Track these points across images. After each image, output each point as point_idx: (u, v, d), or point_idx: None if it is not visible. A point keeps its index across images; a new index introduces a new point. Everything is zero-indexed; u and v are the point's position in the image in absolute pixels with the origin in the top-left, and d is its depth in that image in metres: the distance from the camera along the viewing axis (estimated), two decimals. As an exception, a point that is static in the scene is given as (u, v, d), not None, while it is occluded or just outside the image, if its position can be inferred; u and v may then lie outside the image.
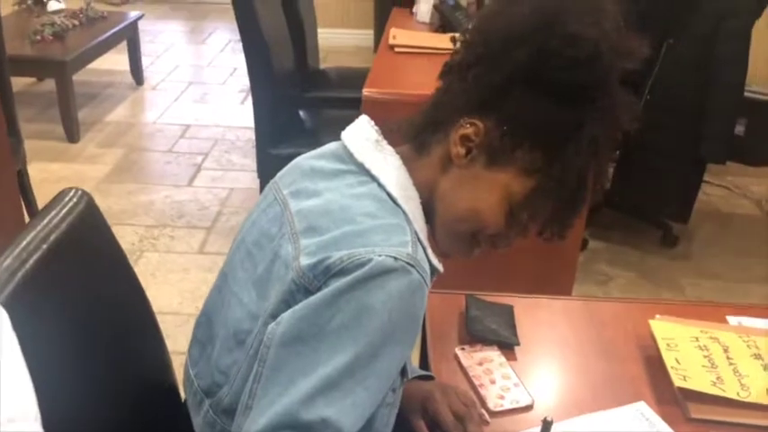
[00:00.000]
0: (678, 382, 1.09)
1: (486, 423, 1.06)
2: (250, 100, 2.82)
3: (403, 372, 0.96)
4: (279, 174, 1.02)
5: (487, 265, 2.46)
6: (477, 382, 1.13)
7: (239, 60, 2.71)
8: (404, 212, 0.90)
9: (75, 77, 3.78)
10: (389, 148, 0.96)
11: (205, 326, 1.05)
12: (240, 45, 2.66)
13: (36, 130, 3.81)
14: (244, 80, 2.79)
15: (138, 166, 3.59)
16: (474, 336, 1.21)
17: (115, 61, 4.57)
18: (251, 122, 2.78)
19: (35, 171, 3.07)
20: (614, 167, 3.05)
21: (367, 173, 0.93)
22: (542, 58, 0.87)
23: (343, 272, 0.82)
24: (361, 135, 0.98)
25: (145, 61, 4.72)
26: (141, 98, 4.46)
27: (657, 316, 1.27)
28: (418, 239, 0.90)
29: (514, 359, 1.20)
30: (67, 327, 0.94)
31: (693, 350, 1.15)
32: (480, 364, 1.17)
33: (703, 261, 2.99)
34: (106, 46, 4.10)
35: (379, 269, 0.81)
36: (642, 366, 1.19)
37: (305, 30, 3.12)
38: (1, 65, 2.53)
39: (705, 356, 1.14)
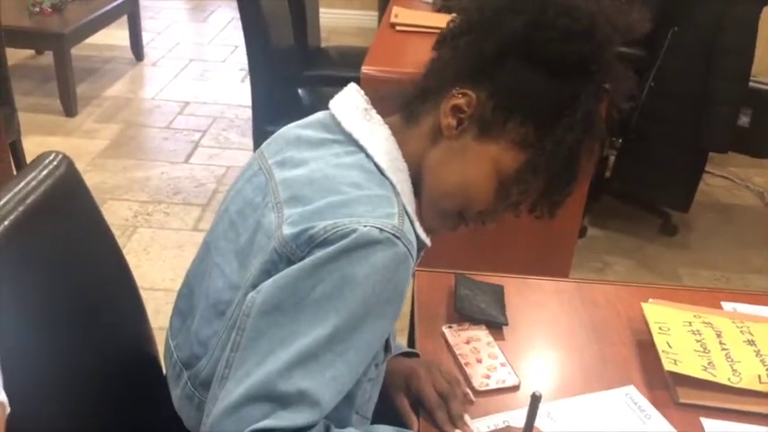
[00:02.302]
0: (668, 366, 1.06)
1: (471, 402, 1.03)
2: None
3: (387, 347, 0.94)
4: (265, 143, 1.00)
5: (482, 249, 2.45)
6: (463, 361, 1.10)
7: (240, 39, 2.67)
8: (392, 184, 0.88)
9: (74, 52, 3.74)
10: (378, 118, 0.93)
11: (186, 297, 1.03)
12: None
13: (34, 103, 3.78)
14: (244, 59, 2.75)
15: (136, 141, 3.56)
16: (462, 314, 1.19)
17: (115, 36, 4.54)
18: (250, 101, 2.75)
19: (31, 144, 3.04)
20: (615, 155, 3.03)
21: (355, 143, 0.90)
22: (537, 29, 0.85)
23: (326, 242, 0.80)
24: (350, 104, 0.95)
25: (145, 37, 4.68)
26: (141, 74, 4.43)
27: (651, 300, 1.25)
28: (406, 212, 0.87)
29: (502, 339, 1.17)
30: (41, 293, 0.91)
31: (686, 334, 1.13)
32: (467, 342, 1.15)
33: (702, 251, 2.97)
34: (106, 20, 4.05)
35: (363, 240, 0.79)
36: (633, 350, 1.17)
37: (305, 8, 3.08)
38: (-4, 34, 2.50)
39: (698, 341, 1.11)
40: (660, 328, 1.14)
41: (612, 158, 3.08)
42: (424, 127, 0.92)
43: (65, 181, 1.00)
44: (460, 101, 0.88)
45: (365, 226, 0.79)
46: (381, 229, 0.80)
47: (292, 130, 0.97)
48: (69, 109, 3.70)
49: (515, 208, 0.93)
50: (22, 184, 0.94)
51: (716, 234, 3.11)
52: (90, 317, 1.00)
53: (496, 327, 1.19)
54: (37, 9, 3.74)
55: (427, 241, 0.92)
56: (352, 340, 0.80)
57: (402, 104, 0.95)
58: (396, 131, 0.92)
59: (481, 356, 1.12)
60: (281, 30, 2.74)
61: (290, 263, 0.81)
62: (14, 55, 3.44)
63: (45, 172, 0.98)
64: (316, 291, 0.78)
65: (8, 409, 0.67)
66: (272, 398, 0.76)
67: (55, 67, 3.66)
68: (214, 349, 0.91)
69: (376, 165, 0.88)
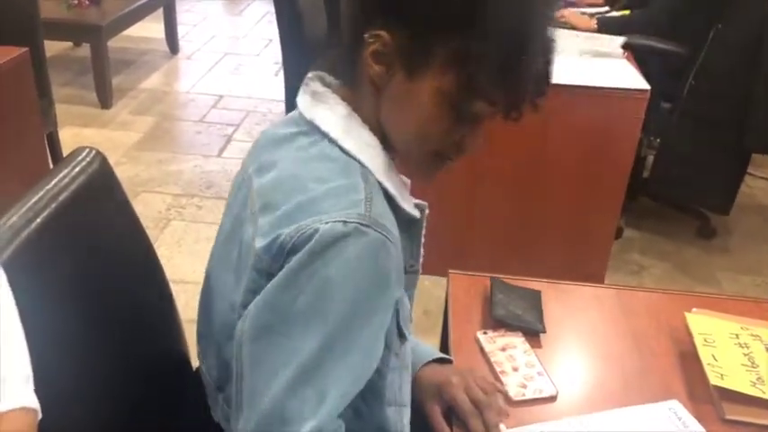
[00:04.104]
0: (714, 380, 1.02)
1: (506, 414, 1.00)
2: (283, 72, 2.78)
3: (400, 333, 0.90)
4: (248, 150, 0.96)
5: (517, 249, 2.42)
6: (498, 369, 1.07)
7: (275, 32, 2.66)
8: (360, 164, 0.84)
9: (111, 44, 3.77)
10: (333, 96, 0.88)
11: (203, 320, 1.00)
12: (276, 17, 2.61)
13: (70, 94, 3.82)
14: (278, 52, 2.74)
15: (170, 134, 3.58)
16: (497, 320, 1.16)
17: (151, 29, 4.57)
18: (283, 95, 2.75)
19: (67, 135, 3.07)
20: (654, 155, 2.96)
21: (317, 130, 0.86)
22: None
23: (295, 248, 0.76)
24: (308, 89, 0.90)
25: (181, 30, 4.71)
26: (176, 67, 4.45)
27: (694, 309, 1.20)
28: (384, 190, 0.84)
29: (539, 347, 1.14)
30: (73, 289, 0.90)
31: (732, 347, 1.08)
32: (503, 349, 1.11)
33: (742, 255, 2.89)
34: (142, 12, 4.09)
35: (329, 237, 0.75)
36: (675, 361, 1.12)
37: (340, 1, 3.05)
38: (35, 27, 2.52)
39: (745, 355, 1.07)
40: (705, 340, 1.09)
41: (651, 158, 3.01)
42: (364, 86, 0.86)
43: (98, 177, 0.99)
44: (376, 45, 0.82)
45: (326, 222, 0.76)
46: (346, 222, 0.76)
47: (269, 130, 0.94)
48: (105, 101, 3.73)
49: (482, 118, 0.85)
50: (56, 180, 0.93)
51: (756, 237, 3.02)
52: (119, 314, 0.99)
53: (533, 334, 1.15)
54: (75, 1, 3.77)
55: (414, 213, 0.89)
56: (350, 340, 0.77)
57: (339, 73, 0.90)
58: (351, 102, 0.87)
59: (517, 365, 1.08)
60: (315, 23, 2.72)
61: (270, 276, 0.78)
62: (52, 47, 3.47)
63: (78, 168, 0.97)
64: (298, 302, 0.75)
65: (40, 415, 0.66)
66: (286, 418, 0.74)
67: (92, 59, 3.70)
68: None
69: (340, 148, 0.84)
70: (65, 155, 2.90)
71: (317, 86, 0.89)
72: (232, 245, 0.89)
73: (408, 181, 0.94)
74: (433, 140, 0.85)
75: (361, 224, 0.76)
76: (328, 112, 0.87)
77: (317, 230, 0.75)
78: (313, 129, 0.86)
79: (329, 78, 0.89)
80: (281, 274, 0.77)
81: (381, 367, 0.85)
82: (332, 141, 0.84)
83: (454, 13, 0.78)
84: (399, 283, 0.84)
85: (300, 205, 0.79)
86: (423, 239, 0.95)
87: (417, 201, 0.93)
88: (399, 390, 0.93)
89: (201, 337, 1.00)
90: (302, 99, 0.90)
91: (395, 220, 0.83)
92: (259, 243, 0.79)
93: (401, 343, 0.91)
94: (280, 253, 0.77)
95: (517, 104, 0.83)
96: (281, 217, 0.79)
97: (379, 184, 0.84)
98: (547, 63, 0.83)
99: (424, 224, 0.94)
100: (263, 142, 0.92)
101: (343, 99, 0.87)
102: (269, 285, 0.77)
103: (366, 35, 0.82)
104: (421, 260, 0.96)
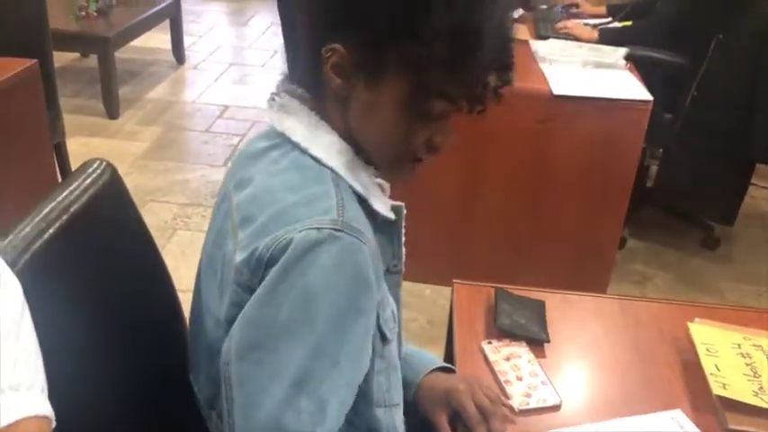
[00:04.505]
0: (717, 389, 1.03)
1: (512, 422, 1.01)
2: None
3: (383, 336, 0.90)
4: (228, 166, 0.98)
5: (521, 259, 2.43)
6: (502, 378, 1.08)
7: (280, 43, 2.68)
8: (332, 170, 0.85)
9: (118, 55, 3.81)
10: (301, 107, 0.89)
11: (193, 337, 1.01)
12: (281, 27, 2.64)
13: (78, 105, 3.85)
14: (283, 63, 2.76)
15: (176, 144, 3.60)
16: (502, 330, 1.17)
17: (158, 40, 4.60)
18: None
19: (75, 145, 3.09)
20: (657, 164, 2.97)
21: (288, 141, 0.87)
22: None
23: (272, 260, 0.77)
24: (275, 104, 0.91)
25: (187, 41, 4.74)
26: (182, 77, 4.48)
27: (697, 319, 1.21)
28: (356, 195, 0.85)
29: (543, 356, 1.15)
30: (85, 300, 0.92)
31: (735, 357, 1.09)
32: (507, 359, 1.12)
33: (746, 265, 2.89)
34: (149, 24, 4.12)
35: (303, 246, 0.76)
36: (678, 371, 1.13)
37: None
38: (44, 38, 2.55)
39: (747, 364, 1.08)
40: (708, 350, 1.10)
41: (654, 168, 3.02)
42: (330, 97, 0.87)
43: (109, 188, 1.00)
44: (334, 58, 0.83)
45: (300, 231, 0.76)
46: (319, 228, 0.77)
47: (248, 144, 0.94)
48: (112, 111, 3.76)
49: (448, 114, 0.85)
50: (68, 191, 0.95)
51: (760, 248, 3.02)
52: (130, 326, 1.00)
53: (537, 344, 1.16)
54: (83, 13, 3.81)
55: (389, 215, 0.89)
56: (338, 346, 0.78)
57: (305, 84, 0.90)
58: (318, 111, 0.88)
59: (522, 374, 1.09)
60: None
61: (251, 290, 0.79)
62: (60, 58, 3.49)
63: (89, 180, 0.98)
64: (281, 315, 0.76)
65: (54, 424, 0.68)
66: (284, 429, 0.74)
67: (99, 70, 3.73)
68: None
69: (311, 156, 0.85)
70: (72, 165, 2.89)
71: (285, 99, 0.90)
72: (216, 261, 0.90)
73: (387, 185, 0.95)
74: (400, 144, 0.86)
75: (335, 229, 0.77)
76: (297, 122, 0.88)
77: (291, 240, 0.76)
78: (284, 140, 0.87)
79: (300, 90, 0.90)
80: (260, 288, 0.77)
81: (367, 371, 0.85)
82: (302, 151, 0.86)
83: (396, 19, 0.79)
84: (378, 285, 0.85)
85: (274, 216, 0.80)
86: (403, 239, 0.96)
87: (394, 202, 0.94)
88: (388, 391, 0.94)
89: (191, 354, 1.01)
90: (271, 113, 0.91)
91: (369, 224, 0.84)
92: (239, 257, 0.80)
93: (384, 345, 0.91)
94: (258, 266, 0.78)
95: (478, 98, 0.83)
96: (258, 229, 0.80)
97: (352, 188, 0.85)
98: (505, 52, 0.84)
99: (403, 224, 0.95)
100: (241, 158, 0.93)
101: (312, 109, 0.88)
102: (250, 301, 0.78)
103: (323, 49, 0.83)
104: (403, 259, 0.97)
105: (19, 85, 2.20)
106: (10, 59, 2.23)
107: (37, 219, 0.88)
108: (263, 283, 0.77)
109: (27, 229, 0.86)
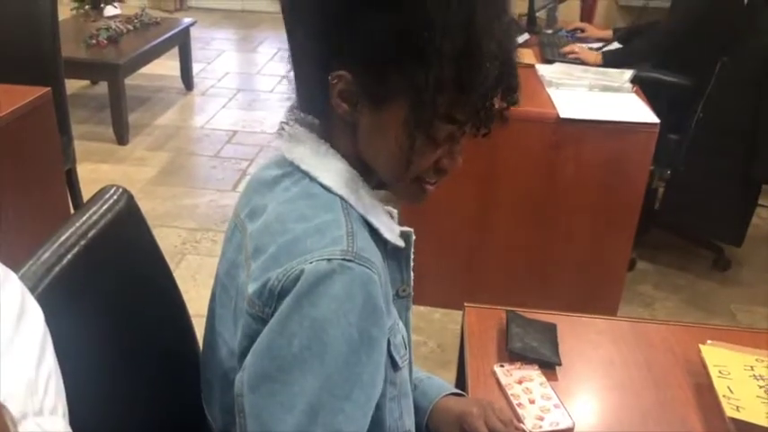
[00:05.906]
0: (730, 412, 1.03)
1: (524, 445, 1.01)
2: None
3: (393, 363, 0.90)
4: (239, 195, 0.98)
5: (531, 282, 2.43)
6: (515, 401, 1.09)
7: (288, 69, 2.69)
8: (342, 199, 0.85)
9: (127, 81, 3.85)
10: (310, 135, 0.89)
11: (206, 366, 1.01)
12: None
13: (88, 131, 3.89)
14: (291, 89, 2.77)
15: (185, 169, 3.63)
16: (514, 353, 1.17)
17: (167, 66, 4.66)
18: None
19: (84, 171, 3.12)
20: (665, 187, 2.97)
21: (298, 169, 0.87)
22: None
23: (284, 292, 0.77)
24: (284, 133, 0.91)
25: (195, 67, 4.80)
26: (191, 103, 4.53)
27: (709, 341, 1.21)
28: (366, 222, 0.85)
29: (555, 379, 1.15)
30: (102, 325, 0.93)
31: (748, 379, 1.09)
32: (519, 382, 1.13)
33: (756, 287, 2.88)
34: (159, 51, 4.17)
35: (314, 277, 0.76)
36: (691, 393, 1.13)
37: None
38: (56, 66, 2.59)
39: (761, 387, 1.07)
40: (720, 372, 1.10)
41: (662, 190, 3.03)
42: (338, 123, 0.87)
43: (125, 214, 1.02)
44: (340, 85, 0.83)
45: (311, 262, 0.76)
46: (330, 259, 0.77)
47: (258, 173, 0.95)
48: (121, 137, 3.80)
49: (456, 137, 0.86)
50: (84, 218, 0.96)
51: (770, 269, 3.02)
52: (147, 351, 1.01)
53: (549, 367, 1.17)
54: (94, 41, 3.86)
55: (399, 242, 0.89)
56: (352, 377, 0.77)
57: (313, 112, 0.90)
58: (327, 138, 0.88)
59: (534, 397, 1.10)
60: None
61: (264, 321, 0.79)
62: (70, 85, 3.54)
63: (106, 206, 1.00)
64: (293, 346, 0.76)
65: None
66: None
67: (109, 97, 3.78)
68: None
69: (321, 185, 0.85)
70: (82, 191, 2.91)
71: (295, 128, 0.90)
72: (232, 290, 0.90)
73: (395, 211, 0.95)
74: (409, 168, 0.86)
75: (345, 260, 0.77)
76: (307, 150, 0.88)
77: (302, 271, 0.76)
78: (295, 169, 0.88)
79: (308, 118, 0.90)
80: (273, 320, 0.77)
81: (379, 398, 0.85)
82: (312, 179, 0.86)
83: (401, 43, 0.79)
84: (389, 311, 0.85)
85: (285, 246, 0.80)
86: (412, 263, 0.96)
87: (403, 228, 0.94)
88: (400, 418, 0.94)
89: (206, 383, 1.01)
90: (281, 142, 0.91)
91: (379, 252, 0.84)
92: (251, 288, 0.80)
93: (395, 371, 0.91)
94: (270, 297, 0.78)
95: (483, 121, 0.84)
96: (269, 260, 0.80)
97: (362, 217, 0.86)
98: (509, 73, 0.84)
99: (412, 249, 0.95)
100: (253, 185, 0.93)
101: (321, 137, 0.89)
102: (263, 333, 0.78)
103: (330, 77, 0.83)
104: (412, 283, 0.97)
105: (33, 112, 2.24)
106: (24, 87, 2.27)
107: (56, 245, 0.89)
108: (276, 315, 0.77)
109: (46, 255, 0.88)
